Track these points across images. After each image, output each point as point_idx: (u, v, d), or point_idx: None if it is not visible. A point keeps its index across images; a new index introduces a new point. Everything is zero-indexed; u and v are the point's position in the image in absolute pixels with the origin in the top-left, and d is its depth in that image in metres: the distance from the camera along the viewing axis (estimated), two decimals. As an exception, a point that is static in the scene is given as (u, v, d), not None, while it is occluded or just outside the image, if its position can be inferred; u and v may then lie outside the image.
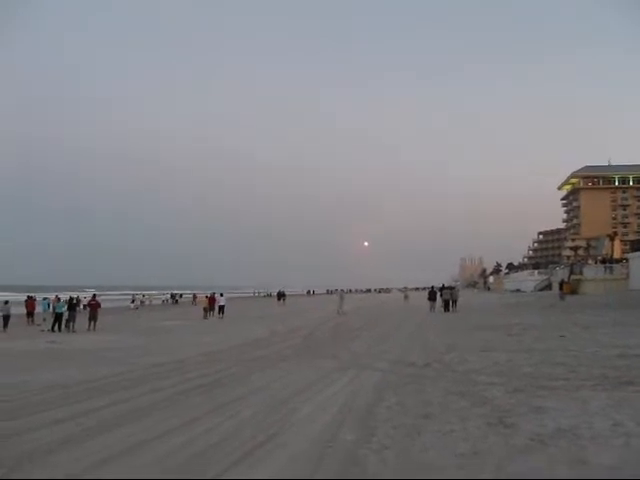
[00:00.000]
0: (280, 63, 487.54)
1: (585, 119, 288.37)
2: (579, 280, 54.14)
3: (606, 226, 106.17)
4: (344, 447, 5.66)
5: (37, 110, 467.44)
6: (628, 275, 49.36)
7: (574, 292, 48.52)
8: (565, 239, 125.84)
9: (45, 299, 33.92)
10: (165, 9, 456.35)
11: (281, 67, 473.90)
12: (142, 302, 57.20)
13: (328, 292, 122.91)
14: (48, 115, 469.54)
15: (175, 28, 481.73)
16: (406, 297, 55.97)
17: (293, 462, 5.24)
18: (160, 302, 65.48)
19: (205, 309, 33.99)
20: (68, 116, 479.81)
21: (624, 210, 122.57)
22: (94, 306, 25.61)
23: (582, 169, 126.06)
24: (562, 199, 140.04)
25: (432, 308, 33.24)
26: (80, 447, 5.91)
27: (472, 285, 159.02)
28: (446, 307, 32.79)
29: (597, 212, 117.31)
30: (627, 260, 53.41)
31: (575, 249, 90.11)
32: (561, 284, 45.13)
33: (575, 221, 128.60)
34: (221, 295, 35.57)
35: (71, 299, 27.10)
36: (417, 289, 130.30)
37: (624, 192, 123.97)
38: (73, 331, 23.64)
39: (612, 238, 71.97)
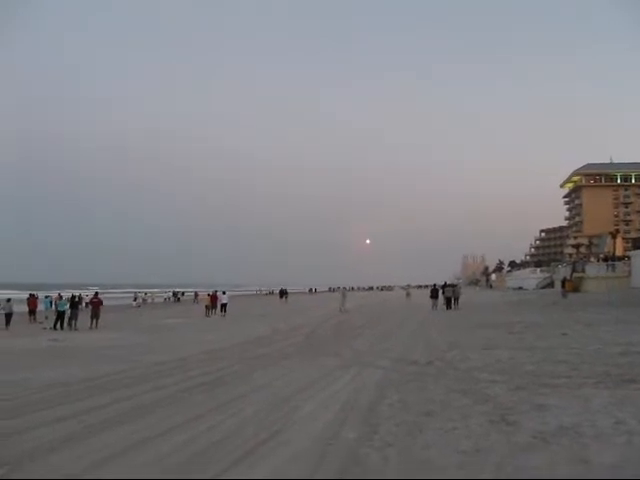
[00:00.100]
0: (280, 63, 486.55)
1: (585, 119, 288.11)
2: (581, 278, 54.10)
3: (608, 224, 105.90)
4: (346, 445, 5.66)
5: (37, 110, 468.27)
6: (630, 273, 49.26)
7: (576, 290, 48.51)
8: (567, 237, 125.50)
9: (47, 297, 34.09)
10: (165, 9, 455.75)
11: (281, 67, 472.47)
12: (144, 300, 57.25)
13: (330, 290, 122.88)
14: (48, 115, 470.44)
15: (175, 28, 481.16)
16: (408, 295, 55.92)
17: (295, 460, 5.24)
18: (162, 300, 65.58)
19: (207, 307, 34.07)
20: (68, 116, 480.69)
21: (626, 208, 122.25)
22: (96, 304, 25.66)
23: (584, 167, 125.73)
24: (564, 197, 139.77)
25: (434, 306, 33.25)
26: (82, 445, 5.92)
27: (474, 283, 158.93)
28: (448, 305, 32.80)
29: (599, 210, 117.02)
30: (629, 258, 53.31)
31: (577, 247, 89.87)
32: (563, 282, 45.13)
33: (577, 219, 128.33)
34: (223, 293, 35.64)
35: (73, 297, 27.15)
36: (419, 287, 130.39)
37: (626, 190, 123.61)
38: (75, 329, 23.70)
39: (614, 236, 71.88)
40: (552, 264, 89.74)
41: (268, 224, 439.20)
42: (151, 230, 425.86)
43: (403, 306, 41.42)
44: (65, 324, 24.22)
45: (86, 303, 35.01)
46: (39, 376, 10.88)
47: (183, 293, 73.61)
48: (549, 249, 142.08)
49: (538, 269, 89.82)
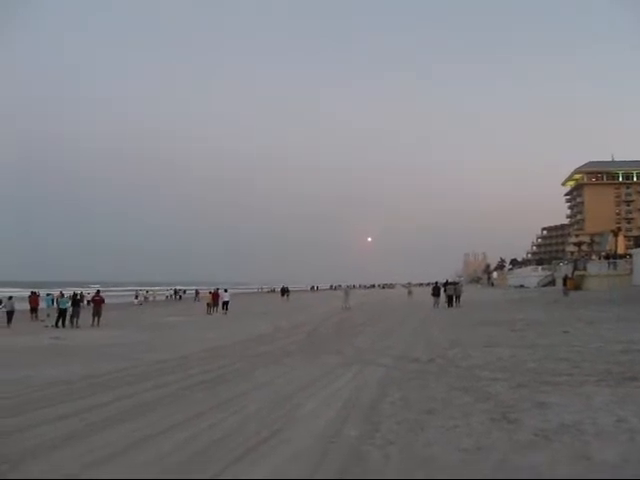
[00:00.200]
0: (280, 63, 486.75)
1: (586, 119, 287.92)
2: (583, 276, 53.99)
3: (610, 222, 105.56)
4: (348, 443, 5.66)
5: (37, 110, 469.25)
6: (632, 271, 49.21)
7: (578, 288, 48.41)
8: (569, 235, 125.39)
9: (49, 295, 34.08)
10: (165, 9, 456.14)
11: (281, 67, 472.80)
12: (146, 298, 57.35)
13: (332, 288, 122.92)
14: (48, 115, 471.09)
15: (175, 28, 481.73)
16: (410, 293, 55.89)
17: (297, 458, 5.24)
18: (164, 298, 65.66)
19: (209, 305, 34.10)
20: (68, 116, 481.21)
21: (628, 206, 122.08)
22: (98, 302, 25.69)
23: (586, 165, 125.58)
24: (566, 195, 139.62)
25: (436, 304, 33.23)
26: (84, 443, 5.92)
27: (476, 281, 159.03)
28: (450, 303, 32.80)
29: (601, 208, 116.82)
30: (631, 256, 53.27)
31: (579, 245, 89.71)
32: (565, 280, 45.07)
33: (579, 217, 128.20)
34: (225, 291, 35.71)
35: (75, 295, 27.18)
36: (421, 285, 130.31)
37: (628, 188, 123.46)
38: (77, 327, 23.71)
39: (616, 234, 71.69)
40: (554, 262, 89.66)
41: (269, 223, 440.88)
42: (152, 229, 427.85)
43: (404, 304, 41.41)
44: (67, 322, 24.24)
45: (88, 301, 35.02)
46: (41, 374, 10.89)
47: (185, 291, 73.70)
48: (551, 247, 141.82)
49: (540, 267, 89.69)
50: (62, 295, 26.92)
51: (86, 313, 26.05)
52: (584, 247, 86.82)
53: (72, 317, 24.35)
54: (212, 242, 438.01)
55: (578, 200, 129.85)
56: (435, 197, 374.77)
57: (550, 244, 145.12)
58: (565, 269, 64.24)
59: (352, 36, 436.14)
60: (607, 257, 62.10)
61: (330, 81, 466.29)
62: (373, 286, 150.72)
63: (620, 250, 65.59)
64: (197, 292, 62.92)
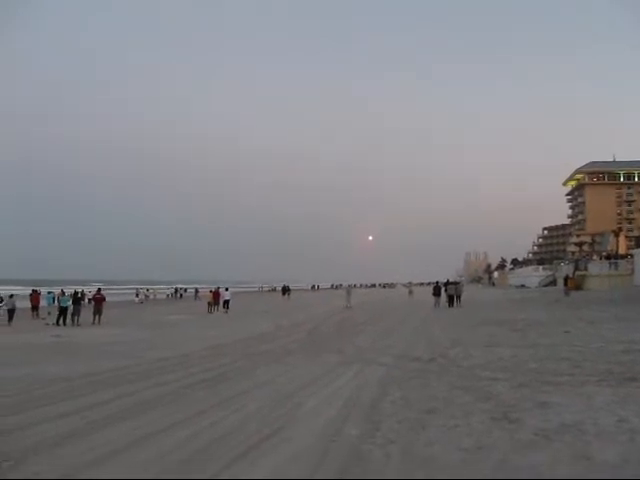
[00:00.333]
0: (280, 63, 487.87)
1: (586, 119, 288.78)
2: (584, 276, 53.97)
3: (611, 222, 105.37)
4: (349, 441, 5.66)
5: (37, 110, 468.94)
6: (633, 271, 49.16)
7: (579, 288, 48.37)
8: (570, 235, 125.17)
9: (50, 293, 34.13)
10: (165, 9, 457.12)
11: (281, 67, 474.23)
12: (147, 296, 57.31)
13: (333, 287, 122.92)
14: (48, 115, 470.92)
15: (175, 28, 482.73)
16: (411, 292, 55.93)
17: (298, 457, 5.24)
18: (164, 296, 65.67)
19: (209, 303, 34.11)
20: (68, 116, 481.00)
21: (629, 206, 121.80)
22: (99, 300, 25.71)
23: (587, 165, 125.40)
24: (567, 195, 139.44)
25: (437, 303, 33.24)
26: (85, 441, 5.93)
27: (477, 280, 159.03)
28: (450, 302, 32.77)
29: (602, 208, 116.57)
30: (632, 256, 53.24)
31: (580, 245, 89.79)
32: (566, 280, 45.01)
33: (580, 217, 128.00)
34: (226, 289, 35.73)
35: (76, 293, 27.17)
36: (422, 284, 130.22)
37: (629, 188, 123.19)
38: (78, 325, 23.72)
39: (617, 234, 71.78)
40: (555, 262, 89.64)
41: (270, 222, 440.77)
42: (153, 227, 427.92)
43: (405, 303, 41.42)
44: (68, 320, 24.25)
45: (89, 299, 35.07)
46: (42, 372, 10.90)
47: (186, 289, 73.68)
48: (552, 247, 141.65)
49: (541, 267, 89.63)
50: (63, 293, 26.98)
51: (87, 311, 26.07)
52: (585, 247, 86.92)
53: (73, 315, 24.35)
54: (213, 241, 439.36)
55: (579, 200, 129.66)
56: (435, 196, 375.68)
57: (551, 244, 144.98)
58: (566, 269, 64.18)
59: (352, 36, 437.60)
60: (608, 257, 62.14)
61: (330, 81, 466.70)
62: (374, 285, 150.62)
63: (621, 250, 65.68)
64: (197, 291, 62.95)
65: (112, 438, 5.99)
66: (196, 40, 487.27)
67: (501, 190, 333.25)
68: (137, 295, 54.01)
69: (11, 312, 25.64)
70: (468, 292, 48.22)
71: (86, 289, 46.76)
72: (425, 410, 6.93)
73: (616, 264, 53.51)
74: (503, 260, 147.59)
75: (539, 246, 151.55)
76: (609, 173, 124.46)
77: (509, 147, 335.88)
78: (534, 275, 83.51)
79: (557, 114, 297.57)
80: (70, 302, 24.88)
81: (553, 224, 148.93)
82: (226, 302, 34.08)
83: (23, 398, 8.36)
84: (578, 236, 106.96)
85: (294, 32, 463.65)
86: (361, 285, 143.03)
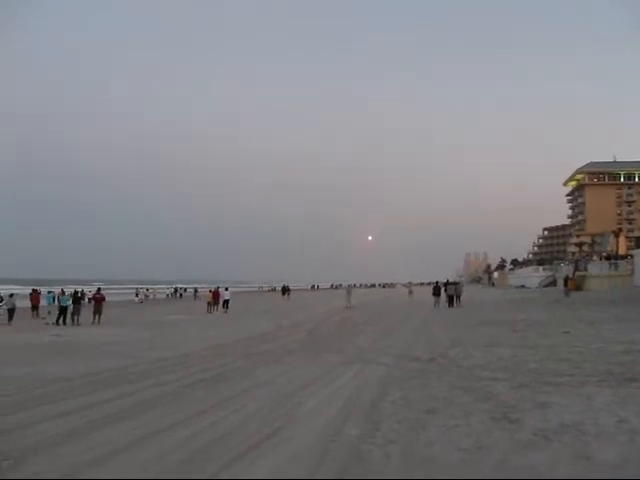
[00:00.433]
0: (280, 63, 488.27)
1: (586, 119, 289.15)
2: (584, 276, 53.99)
3: (611, 222, 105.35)
4: (349, 441, 5.66)
5: (37, 110, 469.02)
6: (633, 271, 49.18)
7: (579, 288, 48.41)
8: (570, 235, 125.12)
9: (50, 292, 34.08)
10: (165, 9, 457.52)
11: (281, 67, 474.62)
12: (146, 296, 57.34)
13: (333, 287, 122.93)
14: (48, 115, 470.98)
15: (175, 28, 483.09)
16: (410, 292, 55.96)
17: (298, 457, 5.24)
18: (164, 296, 65.68)
19: (209, 303, 34.11)
20: (68, 116, 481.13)
21: (629, 206, 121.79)
22: (99, 299, 25.72)
23: (587, 165, 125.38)
24: (567, 195, 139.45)
25: (436, 303, 33.25)
26: (85, 440, 5.93)
27: (476, 281, 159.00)
28: (450, 302, 32.78)
29: (602, 208, 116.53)
30: (632, 256, 53.25)
31: (580, 245, 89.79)
32: (566, 280, 45.04)
33: (580, 217, 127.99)
34: (226, 289, 35.74)
35: (76, 292, 27.17)
36: (421, 284, 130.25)
37: (629, 188, 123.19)
38: (78, 324, 23.71)
39: (617, 234, 71.80)
40: (555, 262, 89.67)
41: (270, 221, 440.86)
42: (153, 227, 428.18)
43: (405, 303, 41.43)
44: (68, 319, 24.24)
45: (89, 299, 35.07)
46: (42, 371, 10.90)
47: (185, 289, 73.70)
48: (552, 247, 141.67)
49: (541, 267, 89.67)
50: (63, 293, 26.97)
51: (87, 311, 26.07)
52: (585, 247, 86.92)
53: (73, 315, 24.34)
54: (213, 241, 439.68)
55: (579, 200, 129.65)
56: (435, 196, 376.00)
57: (551, 244, 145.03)
58: (566, 269, 64.22)
59: (352, 36, 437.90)
60: (608, 258, 62.16)
61: (330, 81, 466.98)
62: (374, 285, 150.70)
63: (621, 251, 65.70)
64: (196, 290, 62.97)
65: (112, 438, 5.99)
66: (196, 40, 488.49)
67: (501, 190, 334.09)
68: (137, 295, 54.05)
69: (11, 311, 25.65)
70: (468, 292, 48.24)
71: (86, 289, 46.76)
72: (425, 410, 6.93)
73: (616, 265, 53.52)
74: (503, 260, 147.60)
75: (539, 246, 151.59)
76: (609, 173, 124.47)
77: (509, 147, 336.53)
78: (534, 275, 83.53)
79: (557, 114, 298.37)
80: (70, 302, 24.87)
81: (553, 224, 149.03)
82: (226, 302, 34.08)
83: (23, 397, 8.36)
84: (578, 236, 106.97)
85: (294, 32, 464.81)
86: (361, 285, 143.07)
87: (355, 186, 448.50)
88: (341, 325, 21.70)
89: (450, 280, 47.63)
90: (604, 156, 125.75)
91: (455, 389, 8.22)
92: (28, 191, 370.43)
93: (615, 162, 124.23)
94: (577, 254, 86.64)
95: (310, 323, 22.67)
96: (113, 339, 17.58)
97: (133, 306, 44.06)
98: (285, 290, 59.05)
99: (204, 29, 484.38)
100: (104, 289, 31.89)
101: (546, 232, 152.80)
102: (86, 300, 34.57)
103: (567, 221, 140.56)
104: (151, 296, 59.79)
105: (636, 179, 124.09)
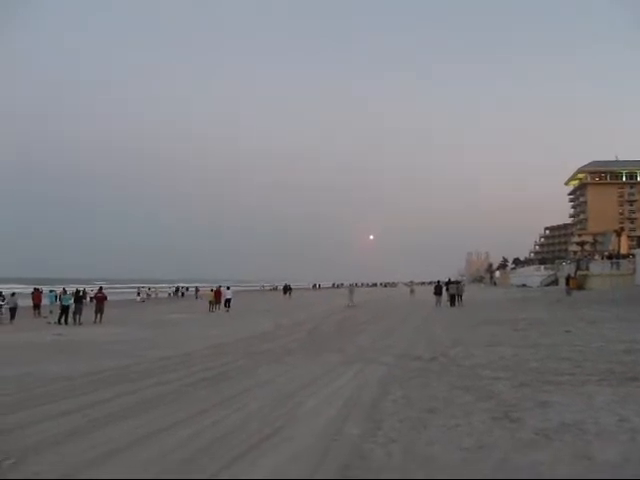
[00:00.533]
0: (280, 63, 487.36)
1: (586, 119, 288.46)
2: (585, 275, 53.89)
3: (613, 221, 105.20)
4: (350, 441, 5.67)
5: (37, 109, 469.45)
6: (635, 271, 49.12)
7: (580, 287, 48.31)
8: (572, 234, 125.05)
9: (52, 291, 34.06)
10: (165, 9, 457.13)
11: (281, 67, 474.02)
12: (148, 295, 57.44)
13: (334, 286, 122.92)
14: (48, 114, 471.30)
15: (175, 28, 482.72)
16: (412, 291, 56.05)
17: (299, 456, 5.25)
18: (166, 295, 65.72)
19: (211, 302, 34.14)
20: (68, 116, 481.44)
21: (631, 205, 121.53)
22: (100, 299, 25.75)
23: (589, 164, 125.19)
24: (569, 194, 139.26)
25: (438, 302, 33.25)
26: (86, 439, 5.94)
27: (478, 280, 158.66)
28: (452, 302, 32.76)
29: (604, 207, 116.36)
30: (634, 256, 53.15)
31: (582, 244, 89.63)
32: (567, 279, 44.96)
33: (582, 216, 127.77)
34: (228, 288, 35.76)
35: (77, 292, 27.22)
36: (423, 283, 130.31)
37: (631, 187, 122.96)
38: (79, 323, 23.74)
39: (619, 234, 71.64)
40: (556, 261, 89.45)
41: (271, 221, 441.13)
42: (154, 226, 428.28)
43: (407, 302, 41.43)
44: (69, 319, 24.27)
45: (90, 298, 35.13)
46: (43, 370, 10.92)
47: (187, 288, 73.71)
48: (553, 246, 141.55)
49: (542, 266, 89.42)
50: (65, 292, 26.92)
51: (89, 310, 26.06)
52: (587, 247, 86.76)
53: (75, 314, 24.35)
54: (213, 241, 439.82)
55: (581, 200, 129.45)
56: (435, 196, 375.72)
57: (553, 244, 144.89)
58: (568, 269, 64.06)
59: (352, 36, 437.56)
60: (610, 257, 62.02)
61: (330, 81, 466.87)
62: (375, 285, 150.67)
63: (623, 250, 65.58)
64: (197, 289, 63.00)
65: (113, 437, 6.00)
66: (196, 40, 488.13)
67: (501, 190, 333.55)
68: (138, 294, 54.13)
69: (13, 310, 25.71)
70: (470, 292, 48.22)
71: (88, 288, 46.82)
72: (426, 409, 6.93)
73: (618, 264, 53.46)
74: (505, 260, 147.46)
75: (541, 246, 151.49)
76: (611, 172, 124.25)
77: (509, 147, 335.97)
78: (536, 275, 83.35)
79: (557, 114, 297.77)
80: (72, 301, 24.89)
81: (555, 224, 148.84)
82: (227, 301, 34.13)
83: (24, 396, 8.37)
84: (580, 236, 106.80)
85: (294, 32, 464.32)
86: (362, 284, 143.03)
87: (355, 186, 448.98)
88: (342, 324, 21.70)
89: (452, 279, 47.56)
90: (604, 156, 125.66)
91: (456, 388, 8.22)
92: (28, 191, 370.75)
93: (617, 161, 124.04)
94: (579, 253, 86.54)
95: (311, 322, 22.68)
96: (115, 338, 17.60)
97: (135, 305, 44.09)
98: (287, 289, 59.09)
99: (204, 29, 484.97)
100: (106, 288, 31.93)
101: (548, 231, 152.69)
102: (88, 299, 34.63)
103: (569, 220, 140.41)
104: (153, 295, 59.90)
105: (638, 178, 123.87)
